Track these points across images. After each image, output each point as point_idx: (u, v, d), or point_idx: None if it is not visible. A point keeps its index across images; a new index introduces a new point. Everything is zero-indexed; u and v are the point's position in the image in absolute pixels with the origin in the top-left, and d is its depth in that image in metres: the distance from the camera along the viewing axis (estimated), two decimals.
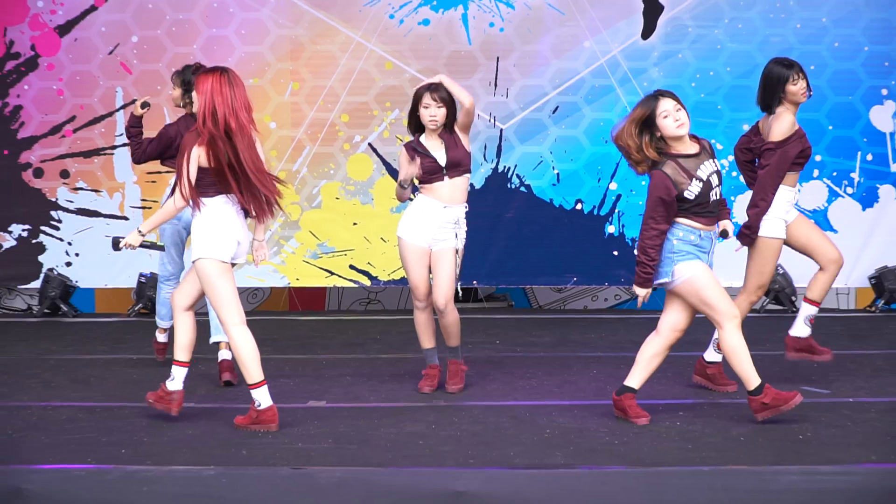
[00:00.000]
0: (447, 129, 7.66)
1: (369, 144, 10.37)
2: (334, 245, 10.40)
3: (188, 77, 7.95)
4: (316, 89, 10.33)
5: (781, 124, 7.52)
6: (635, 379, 7.15)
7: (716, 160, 6.96)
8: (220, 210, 6.92)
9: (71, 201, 10.40)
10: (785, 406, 6.96)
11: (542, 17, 10.29)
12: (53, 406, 7.57)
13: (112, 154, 10.33)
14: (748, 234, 7.52)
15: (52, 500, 6.19)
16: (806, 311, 7.79)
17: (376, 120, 10.30)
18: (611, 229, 10.38)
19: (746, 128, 10.15)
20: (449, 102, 7.60)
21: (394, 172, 10.13)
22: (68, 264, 10.44)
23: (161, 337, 8.53)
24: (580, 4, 10.25)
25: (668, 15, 10.27)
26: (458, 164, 7.64)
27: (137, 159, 8.30)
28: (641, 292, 6.99)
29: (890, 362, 7.90)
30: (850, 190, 10.28)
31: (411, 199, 7.77)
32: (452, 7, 10.30)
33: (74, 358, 8.93)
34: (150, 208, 10.27)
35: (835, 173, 10.32)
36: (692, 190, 6.82)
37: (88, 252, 10.36)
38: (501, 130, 10.34)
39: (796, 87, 7.55)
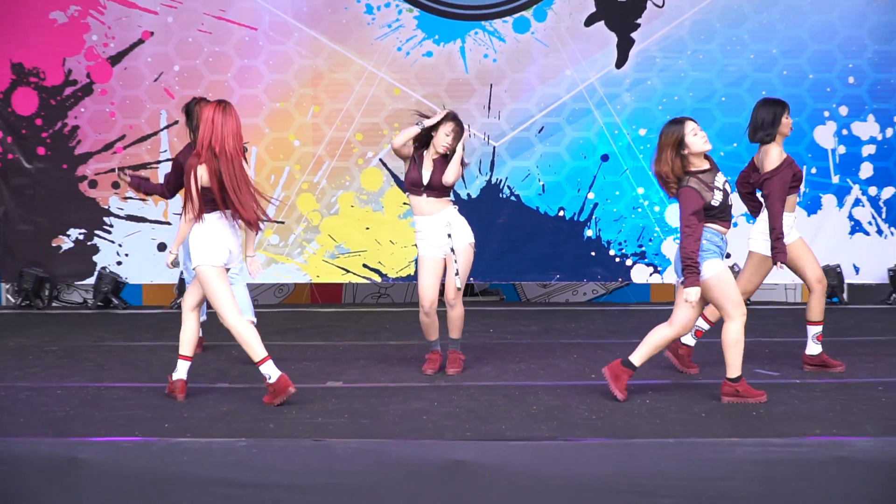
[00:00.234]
0: (444, 157, 7.62)
1: (380, 160, 10.35)
2: (349, 247, 10.38)
3: (191, 108, 7.99)
4: (334, 112, 10.31)
5: (771, 156, 7.47)
6: (638, 357, 7.08)
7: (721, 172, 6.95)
8: (215, 224, 6.98)
9: (121, 209, 10.39)
10: (751, 399, 6.95)
11: (529, 49, 10.27)
12: (105, 386, 7.55)
13: (157, 168, 10.30)
14: (780, 250, 7.40)
15: (103, 468, 6.17)
16: (812, 331, 7.73)
17: (386, 138, 10.28)
18: (589, 233, 10.36)
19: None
20: (457, 135, 7.59)
21: (401, 184, 10.11)
22: (119, 263, 10.42)
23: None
24: (562, 38, 10.24)
25: (639, 47, 10.24)
26: (435, 188, 7.61)
27: (169, 195, 8.27)
28: (695, 295, 6.86)
29: (831, 348, 7.87)
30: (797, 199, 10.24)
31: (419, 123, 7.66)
32: (452, 41, 10.28)
33: (124, 345, 8.91)
34: None
35: None
36: (717, 199, 6.81)
37: (136, 252, 10.35)
38: (494, 147, 10.32)
39: (787, 121, 7.51)
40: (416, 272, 8.15)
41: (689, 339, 7.72)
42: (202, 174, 6.90)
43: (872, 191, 10.34)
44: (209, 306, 8.37)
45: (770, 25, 10.20)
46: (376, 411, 6.90)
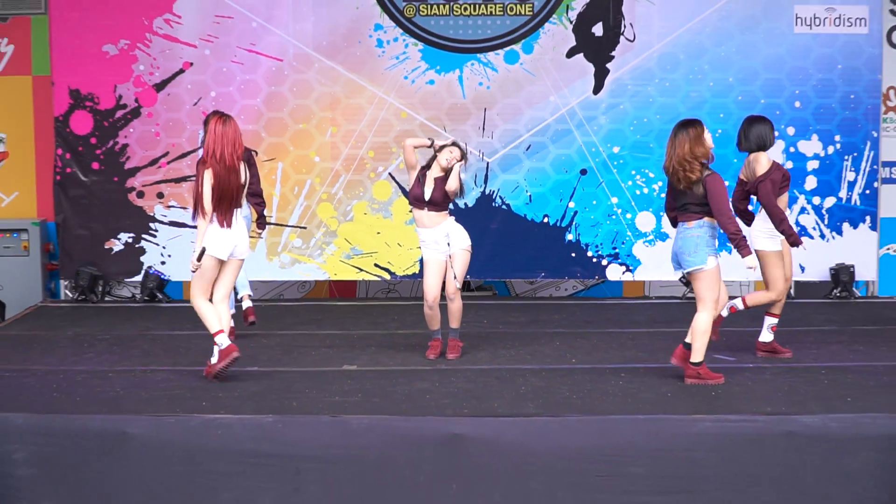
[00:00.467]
0: (445, 176, 7.62)
1: (389, 174, 10.33)
2: (363, 249, 10.36)
3: (207, 121, 7.96)
4: (349, 132, 10.29)
5: (762, 163, 7.41)
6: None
7: None
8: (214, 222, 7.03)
9: (165, 216, 10.36)
10: (710, 381, 6.93)
11: (518, 78, 10.25)
12: (151, 370, 7.53)
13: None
14: (790, 234, 7.28)
15: (148, 441, 6.16)
16: (768, 321, 7.69)
17: (394, 155, 10.25)
18: (570, 237, 10.33)
19: None
20: (458, 158, 7.61)
21: (407, 195, 10.08)
22: (163, 263, 10.39)
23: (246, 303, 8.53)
24: (546, 68, 10.22)
25: (613, 76, 10.22)
26: (436, 204, 7.60)
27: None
28: (754, 260, 6.83)
29: (780, 337, 7.85)
30: (750, 207, 10.19)
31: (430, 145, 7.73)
32: (451, 71, 10.26)
33: (167, 334, 8.89)
34: None
35: None
36: None
37: (178, 253, 10.31)
38: (487, 163, 10.30)
39: (773, 135, 7.52)
40: (420, 271, 8.14)
41: (766, 337, 7.69)
42: (209, 178, 6.89)
43: (816, 200, 10.32)
44: (237, 299, 8.39)
45: (727, 57, 10.18)
46: (385, 391, 6.88)
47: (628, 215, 10.28)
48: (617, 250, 10.30)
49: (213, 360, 7.14)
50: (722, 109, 10.16)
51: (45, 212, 10.65)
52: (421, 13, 10.19)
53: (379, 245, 10.34)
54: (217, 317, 7.08)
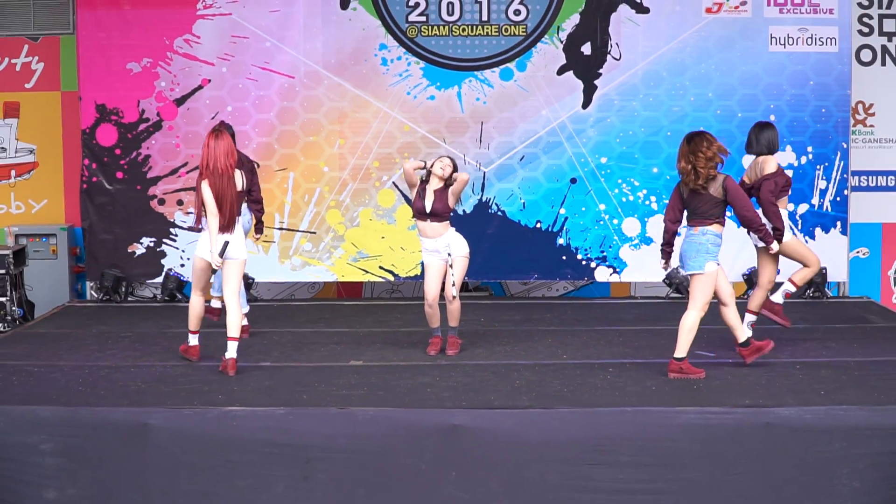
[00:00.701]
0: (444, 187, 7.59)
1: (393, 183, 10.28)
2: (368, 252, 10.31)
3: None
4: (356, 144, 10.24)
5: (770, 165, 7.43)
6: (742, 335, 7.10)
7: None
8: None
9: (184, 221, 10.30)
10: (692, 375, 6.88)
11: (512, 93, 10.20)
12: (171, 365, 7.48)
13: None
14: (768, 238, 7.23)
15: (169, 432, 6.11)
16: (749, 318, 7.64)
17: (397, 165, 10.20)
18: (560, 241, 10.28)
19: (656, 171, 10.14)
20: (452, 167, 7.56)
21: (409, 202, 10.04)
22: (182, 265, 10.33)
23: (215, 303, 8.41)
24: (539, 85, 10.17)
25: (601, 92, 10.17)
26: (438, 215, 7.57)
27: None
28: (777, 247, 7.04)
29: (757, 333, 7.79)
30: (728, 213, 10.14)
31: (422, 174, 7.69)
32: (450, 87, 10.21)
33: (186, 332, 8.79)
34: None
35: None
36: None
37: None
38: (484, 173, 10.25)
39: (778, 140, 7.60)
40: (422, 273, 8.09)
41: (778, 298, 7.60)
42: (206, 188, 6.95)
43: (790, 207, 10.23)
44: (250, 298, 8.36)
45: (707, 74, 10.13)
46: (389, 385, 6.83)
47: (615, 221, 10.23)
48: (605, 253, 10.25)
49: (228, 354, 7.10)
50: (702, 123, 10.10)
51: (72, 218, 10.61)
52: (422, 34, 10.15)
53: (383, 249, 10.29)
54: (199, 318, 7.40)
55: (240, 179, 7.18)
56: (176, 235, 10.31)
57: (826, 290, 10.25)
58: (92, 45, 10.11)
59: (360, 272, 10.33)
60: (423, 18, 10.14)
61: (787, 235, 7.49)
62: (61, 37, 10.50)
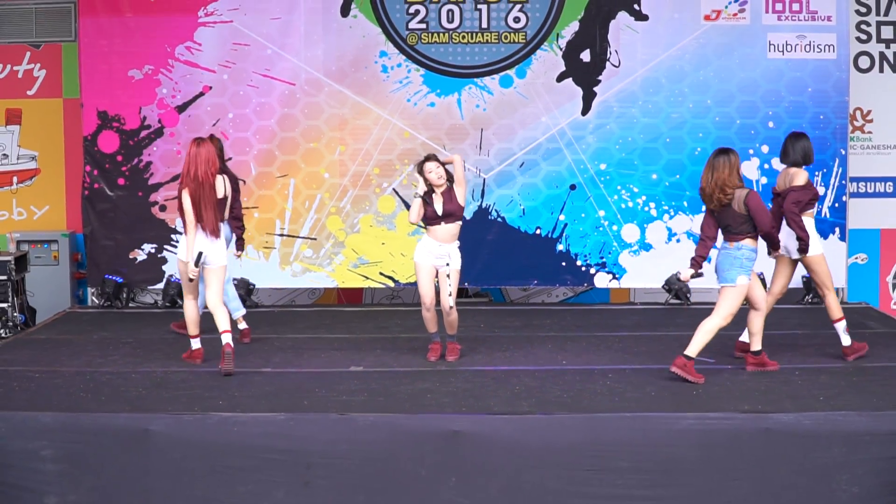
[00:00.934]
0: (449, 187, 7.58)
1: (393, 189, 10.28)
2: (369, 258, 10.31)
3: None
4: (356, 151, 10.24)
5: (801, 177, 7.44)
6: (757, 342, 7.18)
7: None
8: (198, 234, 7.36)
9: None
10: (691, 378, 6.90)
11: (512, 100, 10.21)
12: (172, 371, 7.47)
13: None
14: (776, 245, 7.24)
15: (169, 438, 6.10)
16: (840, 326, 7.64)
17: (398, 172, 10.21)
18: (560, 247, 10.28)
19: (655, 177, 10.15)
20: (440, 166, 7.56)
21: (409, 208, 10.06)
22: None
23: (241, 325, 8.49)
24: (538, 91, 10.18)
25: (600, 99, 10.18)
26: (451, 214, 7.56)
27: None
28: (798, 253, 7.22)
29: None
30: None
31: (421, 228, 7.71)
32: (450, 94, 10.21)
33: (187, 337, 8.80)
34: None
35: None
36: None
37: None
38: (484, 179, 10.25)
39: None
40: None
41: (846, 341, 7.60)
42: (186, 197, 7.04)
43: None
44: (251, 304, 8.39)
45: (705, 81, 10.14)
46: (390, 390, 6.82)
47: (614, 227, 10.23)
48: (604, 259, 10.25)
49: (224, 341, 7.20)
50: (701, 129, 10.13)
51: (73, 224, 10.62)
52: (422, 41, 10.16)
53: (384, 255, 10.29)
54: (196, 322, 7.50)
55: (221, 186, 7.36)
56: (177, 242, 10.27)
57: None
58: (94, 52, 10.12)
59: (361, 278, 10.33)
60: (423, 26, 10.15)
61: (818, 249, 7.49)
62: (63, 44, 10.52)
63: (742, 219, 6.93)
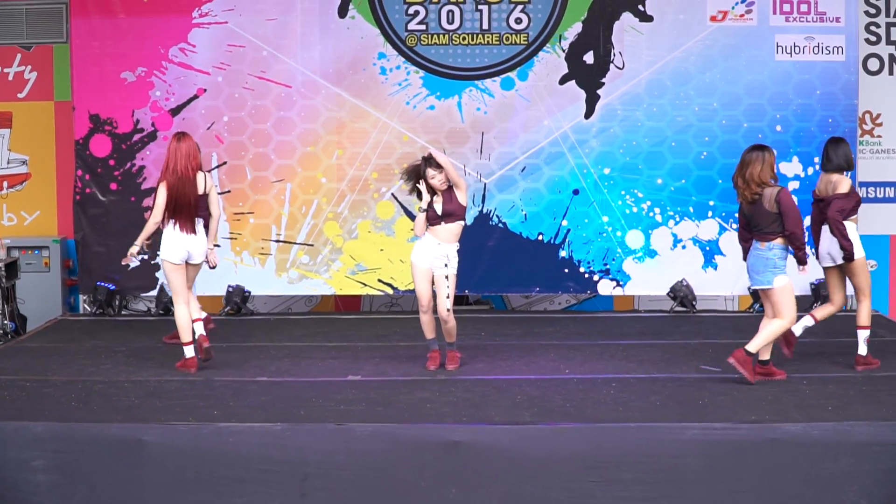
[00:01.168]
0: (449, 186, 7.63)
1: (392, 194, 10.31)
2: (367, 265, 10.33)
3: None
4: (354, 154, 10.27)
5: (845, 184, 7.52)
6: (754, 346, 7.18)
7: None
8: (175, 229, 7.55)
9: None
10: (746, 375, 7.01)
11: (513, 103, 10.24)
12: (165, 380, 7.50)
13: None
14: (803, 256, 7.26)
15: (163, 448, 6.12)
16: (862, 335, 7.69)
17: (396, 176, 10.23)
18: (563, 253, 10.31)
19: (660, 182, 10.18)
20: (439, 169, 7.61)
21: (410, 214, 10.11)
22: None
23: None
24: (540, 94, 10.21)
25: (603, 102, 10.21)
26: (452, 214, 7.60)
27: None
28: (807, 269, 7.24)
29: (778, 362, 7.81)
30: (734, 225, 10.17)
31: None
32: (450, 96, 10.25)
33: (181, 346, 8.82)
34: (235, 239, 10.21)
35: (724, 213, 10.23)
36: None
37: None
38: (485, 184, 10.28)
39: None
40: None
41: (797, 331, 7.66)
42: (162, 191, 7.16)
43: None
44: (245, 311, 8.43)
45: (712, 83, 10.17)
46: (388, 400, 6.85)
47: (618, 233, 10.26)
48: (608, 266, 10.28)
49: (198, 331, 7.51)
50: (707, 133, 10.15)
51: (65, 230, 10.64)
52: (422, 42, 10.20)
53: (382, 261, 10.32)
54: (188, 328, 7.59)
55: (202, 182, 7.59)
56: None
57: None
58: (86, 53, 10.15)
59: (359, 285, 10.36)
60: (423, 27, 10.19)
61: (860, 253, 7.54)
62: (54, 45, 10.56)
63: (772, 217, 7.01)
